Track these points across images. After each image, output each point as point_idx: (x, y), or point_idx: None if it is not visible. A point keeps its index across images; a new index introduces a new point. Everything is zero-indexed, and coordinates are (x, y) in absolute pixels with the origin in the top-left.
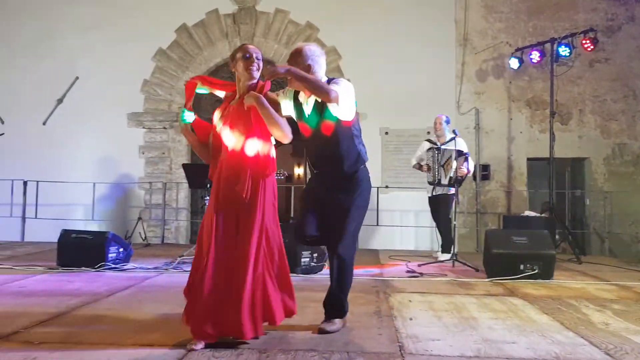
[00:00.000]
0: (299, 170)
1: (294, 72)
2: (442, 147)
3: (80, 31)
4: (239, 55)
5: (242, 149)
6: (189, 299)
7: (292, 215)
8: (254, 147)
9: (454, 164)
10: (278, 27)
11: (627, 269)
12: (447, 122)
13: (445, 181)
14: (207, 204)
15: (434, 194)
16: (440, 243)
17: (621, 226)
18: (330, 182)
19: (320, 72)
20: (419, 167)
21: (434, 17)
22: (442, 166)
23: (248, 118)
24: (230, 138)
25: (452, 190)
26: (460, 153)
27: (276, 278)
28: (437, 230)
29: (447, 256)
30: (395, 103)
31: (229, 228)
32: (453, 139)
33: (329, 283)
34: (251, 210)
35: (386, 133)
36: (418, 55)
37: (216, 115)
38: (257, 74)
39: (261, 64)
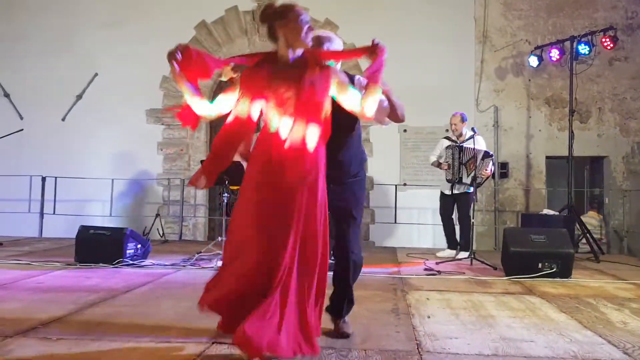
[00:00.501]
0: None
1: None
2: (463, 145)
3: (99, 28)
4: (284, 20)
5: (304, 138)
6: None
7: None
8: (315, 137)
9: (480, 163)
10: None
11: None
12: (464, 119)
13: (467, 180)
14: (225, 200)
15: (454, 192)
16: (458, 240)
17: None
18: (338, 184)
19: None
20: (437, 164)
21: (453, 14)
22: (464, 164)
23: (317, 103)
24: (288, 123)
25: (472, 189)
26: (486, 154)
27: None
28: (443, 228)
29: (465, 254)
30: (414, 100)
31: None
32: (472, 136)
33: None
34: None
35: (404, 130)
36: (437, 52)
37: (241, 89)
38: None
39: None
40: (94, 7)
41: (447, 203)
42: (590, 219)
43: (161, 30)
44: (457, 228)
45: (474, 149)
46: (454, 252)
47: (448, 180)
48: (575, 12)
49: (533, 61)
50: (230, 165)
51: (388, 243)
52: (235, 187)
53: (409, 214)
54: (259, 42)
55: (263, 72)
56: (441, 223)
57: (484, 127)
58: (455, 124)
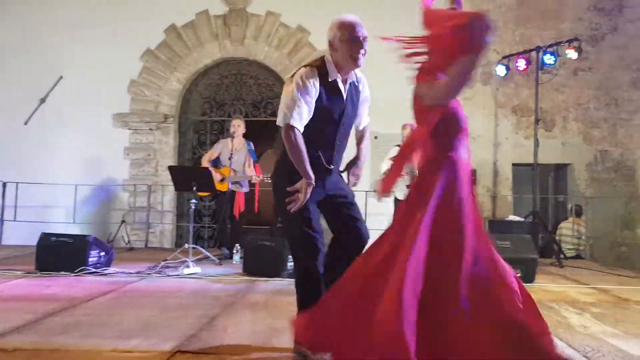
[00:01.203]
0: None
1: None
2: None
3: (66, 29)
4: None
5: None
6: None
7: (279, 218)
8: None
9: None
10: (269, 29)
11: (607, 272)
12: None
13: None
14: (192, 207)
15: None
16: None
17: (601, 231)
18: (335, 178)
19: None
20: None
21: None
22: None
23: None
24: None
25: None
26: None
27: None
28: None
29: None
30: (385, 108)
31: None
32: None
33: None
34: None
35: (375, 137)
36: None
37: None
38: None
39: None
40: (60, 7)
41: None
42: (567, 224)
43: (130, 34)
44: None
45: None
46: None
47: (407, 186)
48: (542, 23)
49: (500, 70)
50: (199, 172)
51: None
52: (203, 194)
53: (379, 220)
54: (230, 47)
55: None
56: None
57: None
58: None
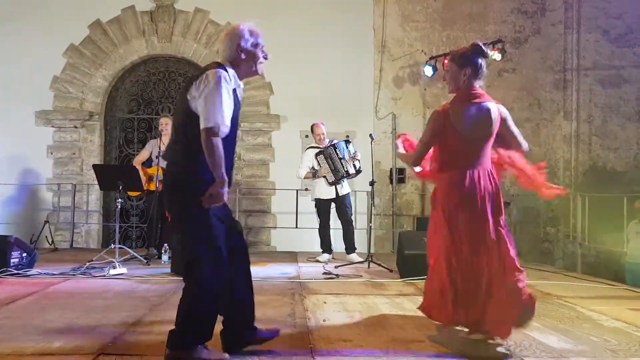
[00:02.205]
0: None
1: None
2: (333, 142)
3: None
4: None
5: None
6: None
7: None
8: None
9: (352, 151)
10: (197, 26)
11: (530, 268)
12: None
13: (353, 171)
14: (119, 206)
15: (341, 193)
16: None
17: (525, 228)
18: None
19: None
20: (313, 174)
21: (353, 23)
22: (343, 158)
23: None
24: None
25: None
26: (347, 141)
27: None
28: (323, 233)
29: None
30: (316, 106)
31: None
32: (331, 140)
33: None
34: None
35: (306, 136)
36: (338, 60)
37: None
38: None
39: None
40: None
41: (327, 207)
42: None
43: (53, 28)
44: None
45: (341, 141)
46: (330, 255)
47: (331, 183)
48: (467, 25)
49: (428, 71)
50: (125, 171)
51: (289, 248)
52: (133, 193)
53: (310, 218)
54: (158, 44)
55: None
56: (339, 227)
57: (383, 133)
58: (323, 133)
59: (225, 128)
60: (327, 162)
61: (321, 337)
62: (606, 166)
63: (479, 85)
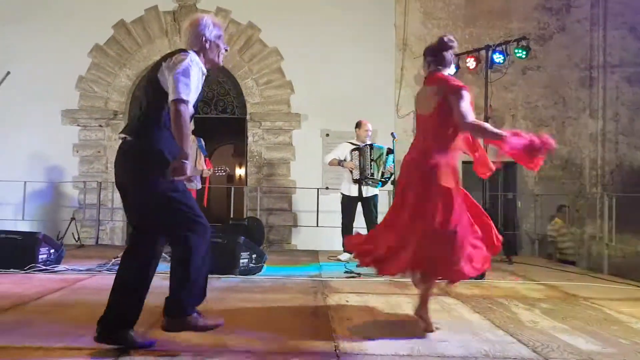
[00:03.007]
0: (240, 171)
1: None
2: (373, 143)
3: (13, 24)
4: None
5: None
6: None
7: (231, 215)
8: None
9: (385, 159)
10: None
11: (555, 269)
12: None
13: (378, 175)
14: None
15: (367, 194)
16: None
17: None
18: None
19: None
20: (339, 162)
21: (374, 21)
22: (375, 160)
23: None
24: None
25: (378, 189)
26: (390, 150)
27: None
28: (346, 231)
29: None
30: (336, 105)
31: None
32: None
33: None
34: None
35: (327, 135)
36: (359, 58)
37: None
38: None
39: None
40: (7, 1)
41: (351, 205)
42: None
43: (78, 29)
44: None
45: (383, 146)
46: (352, 254)
47: (355, 181)
48: (490, 22)
49: (450, 69)
50: None
51: (310, 246)
52: None
53: (331, 217)
54: (180, 43)
55: None
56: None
57: (404, 132)
58: (370, 130)
59: (190, 107)
60: (359, 159)
61: (345, 336)
62: (633, 165)
63: (447, 72)
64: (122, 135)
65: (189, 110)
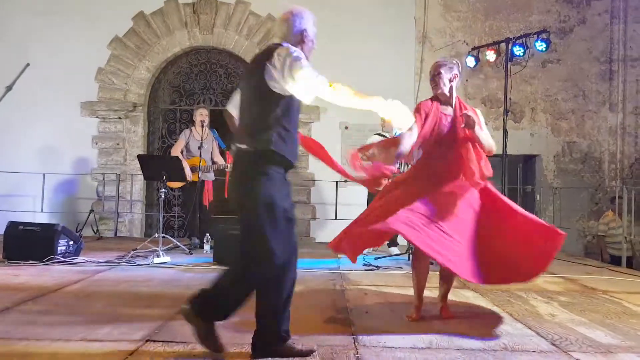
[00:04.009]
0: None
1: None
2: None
3: (33, 16)
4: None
5: None
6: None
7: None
8: None
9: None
10: (239, 18)
11: (574, 262)
12: None
13: (405, 169)
14: (162, 196)
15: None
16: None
17: (569, 221)
18: None
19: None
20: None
21: (394, 14)
22: None
23: None
24: None
25: None
26: None
27: None
28: None
29: (397, 250)
30: None
31: None
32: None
33: None
34: None
35: (346, 128)
36: (379, 51)
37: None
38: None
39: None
40: None
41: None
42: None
43: (98, 21)
44: None
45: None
46: (371, 248)
47: None
48: (511, 15)
49: (470, 62)
50: (169, 161)
51: (329, 239)
52: (174, 185)
53: (349, 210)
54: (200, 35)
55: None
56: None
57: None
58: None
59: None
60: None
61: (363, 328)
62: None
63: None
64: (243, 146)
65: (326, 87)
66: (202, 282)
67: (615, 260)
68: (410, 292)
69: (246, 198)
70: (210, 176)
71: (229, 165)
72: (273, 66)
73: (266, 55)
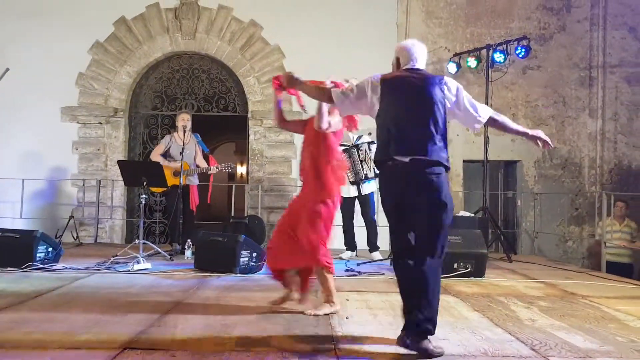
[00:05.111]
0: (241, 169)
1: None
2: (357, 143)
3: (12, 19)
4: None
5: None
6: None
7: (232, 214)
8: None
9: (370, 154)
10: (221, 23)
11: (554, 267)
12: None
13: (372, 174)
14: (143, 202)
15: (361, 193)
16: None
17: (549, 226)
18: None
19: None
20: None
21: (377, 20)
22: (364, 161)
23: None
24: None
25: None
26: (372, 142)
27: None
28: (345, 231)
29: (379, 255)
30: None
31: None
32: (360, 136)
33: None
34: None
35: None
36: (361, 56)
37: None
38: None
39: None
40: None
41: (350, 205)
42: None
43: (78, 26)
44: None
45: (364, 142)
46: (354, 253)
47: (352, 182)
48: (492, 21)
49: (452, 68)
50: (149, 167)
51: None
52: (155, 189)
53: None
54: (182, 40)
55: None
56: (362, 225)
57: None
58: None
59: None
60: (349, 161)
61: (344, 334)
62: (632, 165)
63: None
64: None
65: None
66: (182, 288)
67: (612, 267)
68: (392, 297)
69: (447, 199)
70: (195, 180)
71: (216, 167)
72: (451, 91)
73: (440, 80)
